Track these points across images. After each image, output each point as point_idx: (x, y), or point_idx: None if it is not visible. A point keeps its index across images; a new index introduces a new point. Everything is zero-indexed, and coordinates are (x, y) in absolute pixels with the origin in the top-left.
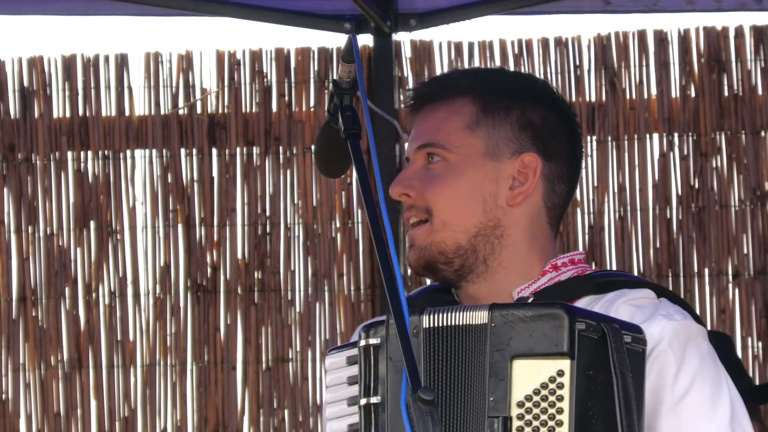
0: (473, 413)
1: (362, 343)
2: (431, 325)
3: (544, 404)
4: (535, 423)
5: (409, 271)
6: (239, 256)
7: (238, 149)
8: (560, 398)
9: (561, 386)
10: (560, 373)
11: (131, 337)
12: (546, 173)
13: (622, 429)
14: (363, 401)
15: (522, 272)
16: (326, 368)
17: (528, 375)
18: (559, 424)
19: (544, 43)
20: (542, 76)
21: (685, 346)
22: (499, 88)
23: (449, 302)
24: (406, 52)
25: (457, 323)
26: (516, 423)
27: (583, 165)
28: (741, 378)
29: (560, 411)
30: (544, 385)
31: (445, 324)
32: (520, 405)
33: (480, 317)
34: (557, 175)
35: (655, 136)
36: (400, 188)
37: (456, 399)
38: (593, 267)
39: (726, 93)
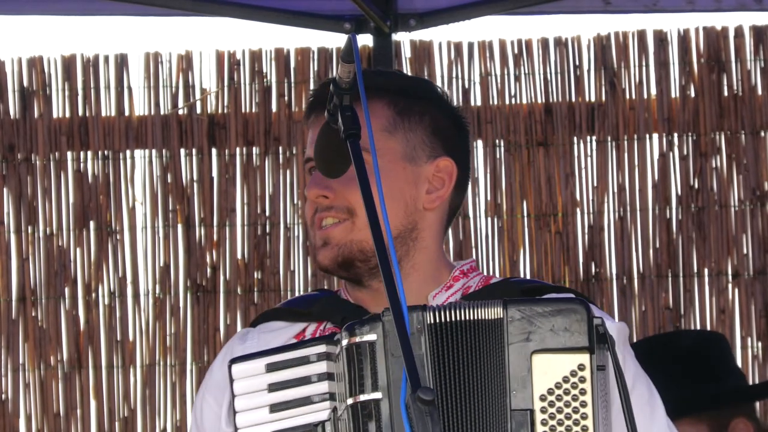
0: (492, 407)
1: (345, 342)
2: (437, 321)
3: (566, 398)
4: (559, 416)
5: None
6: (239, 256)
7: (237, 149)
8: (583, 392)
9: (583, 380)
10: (581, 367)
11: (131, 337)
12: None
13: (628, 420)
14: (350, 400)
15: (431, 276)
16: (234, 376)
17: (549, 369)
18: (584, 417)
19: (544, 43)
20: (542, 76)
21: (624, 347)
22: (411, 92)
23: (352, 306)
24: (406, 52)
25: (467, 318)
26: (540, 416)
27: (583, 165)
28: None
29: (584, 404)
30: (566, 379)
31: (453, 319)
32: (543, 399)
33: (494, 312)
34: (459, 180)
35: (655, 136)
36: (318, 190)
37: (471, 394)
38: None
39: (726, 93)
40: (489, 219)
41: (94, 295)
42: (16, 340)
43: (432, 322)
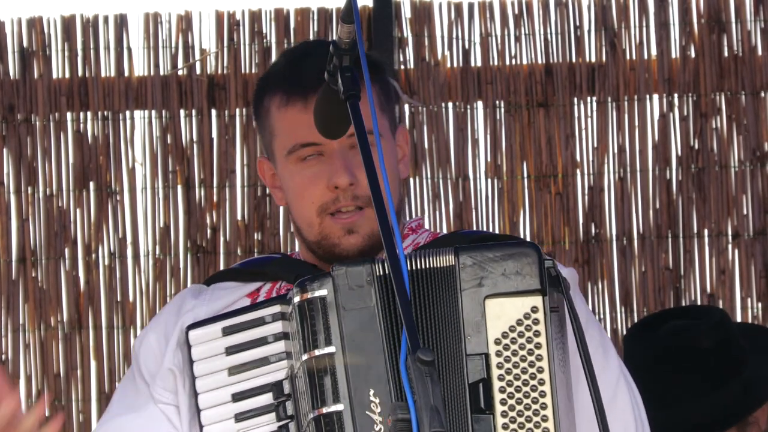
0: (447, 354)
1: (297, 299)
2: (386, 272)
3: (521, 340)
4: (515, 359)
5: None
6: (239, 217)
7: (237, 110)
8: (537, 333)
9: (537, 322)
10: (534, 309)
11: (131, 298)
12: None
13: (584, 360)
14: (305, 356)
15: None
16: (192, 342)
17: (503, 313)
18: (539, 358)
19: (544, 3)
20: (542, 37)
21: (574, 292)
22: (378, 64)
23: (307, 266)
24: (406, 13)
25: (418, 267)
26: (495, 359)
27: (583, 126)
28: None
29: (538, 346)
30: (519, 322)
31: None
32: (498, 342)
33: (446, 260)
34: None
35: (655, 96)
36: (350, 178)
37: (425, 342)
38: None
39: (726, 53)
40: (489, 180)
41: (94, 255)
42: (16, 300)
43: (381, 273)
